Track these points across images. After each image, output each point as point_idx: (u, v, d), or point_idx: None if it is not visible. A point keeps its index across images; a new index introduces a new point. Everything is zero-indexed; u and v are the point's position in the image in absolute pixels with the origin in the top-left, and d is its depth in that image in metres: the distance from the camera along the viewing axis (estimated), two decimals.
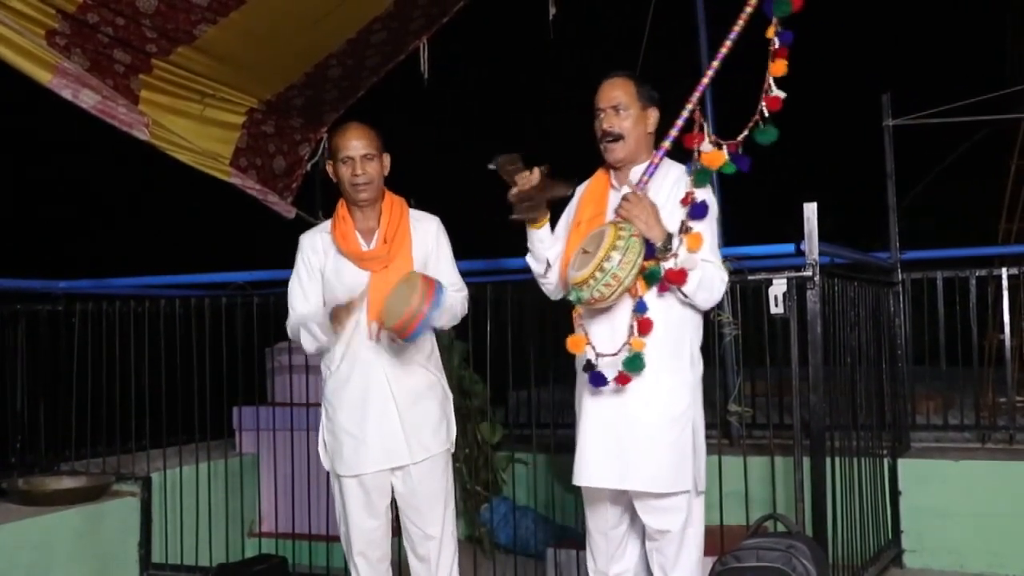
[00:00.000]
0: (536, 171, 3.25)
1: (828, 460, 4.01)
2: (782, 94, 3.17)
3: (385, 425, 3.46)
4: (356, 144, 3.50)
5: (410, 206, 3.63)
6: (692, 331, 3.33)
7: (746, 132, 3.19)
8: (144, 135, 5.11)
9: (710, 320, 4.37)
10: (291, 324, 3.65)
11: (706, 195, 3.23)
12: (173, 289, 5.75)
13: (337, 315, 3.41)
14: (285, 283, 5.78)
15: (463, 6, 6.15)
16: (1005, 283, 5.44)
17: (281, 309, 4.95)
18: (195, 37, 5.30)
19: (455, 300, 3.55)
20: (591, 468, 3.26)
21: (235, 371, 5.15)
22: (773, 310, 3.97)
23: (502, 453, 5.35)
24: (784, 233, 4.26)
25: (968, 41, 10.81)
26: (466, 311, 3.65)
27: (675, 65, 5.46)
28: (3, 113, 8.22)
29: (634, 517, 3.40)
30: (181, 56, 5.41)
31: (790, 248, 4.14)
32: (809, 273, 3.92)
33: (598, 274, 3.03)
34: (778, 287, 3.95)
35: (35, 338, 5.33)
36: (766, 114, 3.18)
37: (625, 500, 3.41)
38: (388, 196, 3.60)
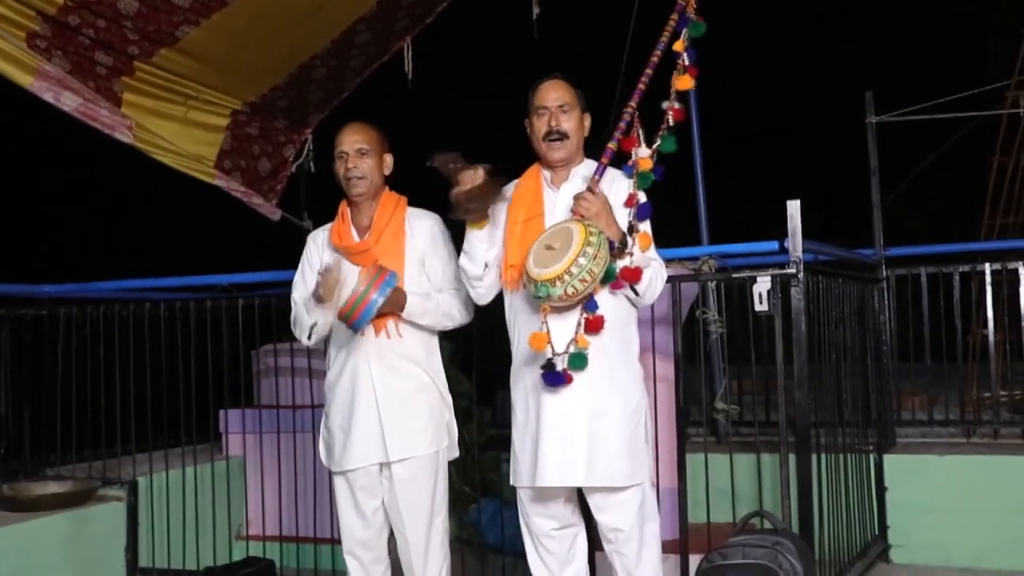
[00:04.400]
0: (480, 169, 3.28)
1: (814, 457, 4.02)
2: (678, 105, 3.37)
3: (368, 422, 3.49)
4: (349, 139, 3.58)
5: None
6: (635, 326, 3.42)
7: (659, 142, 3.34)
8: (127, 138, 5.09)
9: (695, 318, 4.39)
10: (292, 317, 3.70)
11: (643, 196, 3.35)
12: (158, 292, 5.72)
13: (318, 290, 3.43)
14: (270, 285, 5.82)
15: (447, 6, 6.15)
16: (988, 279, 5.46)
17: (266, 311, 4.98)
18: (178, 39, 5.28)
19: (445, 300, 3.56)
20: (556, 467, 3.23)
21: (221, 374, 5.13)
22: (758, 308, 3.98)
23: (489, 453, 5.35)
24: (768, 230, 4.26)
25: (950, 38, 10.86)
26: (468, 313, 3.64)
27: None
28: None
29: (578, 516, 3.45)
30: (164, 58, 5.39)
31: (774, 246, 4.15)
32: (793, 270, 3.93)
33: (573, 269, 3.05)
34: (762, 285, 3.96)
35: (19, 342, 5.30)
36: (671, 124, 3.35)
37: (575, 498, 3.42)
38: (387, 194, 3.65)
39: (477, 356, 4.52)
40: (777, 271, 3.97)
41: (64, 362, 5.21)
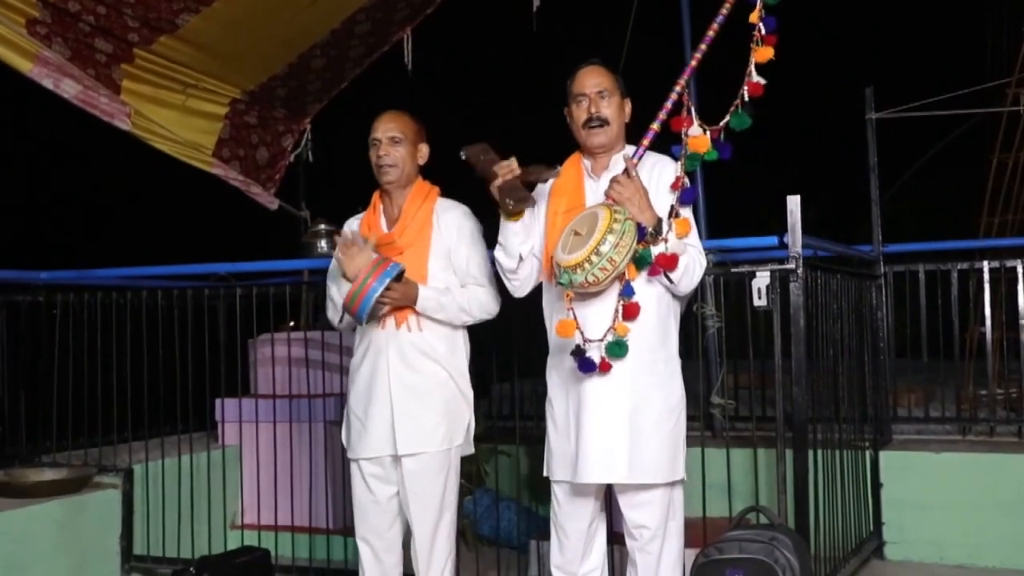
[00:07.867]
0: (513, 159, 3.21)
1: (810, 452, 4.02)
2: (762, 80, 3.18)
3: (381, 414, 3.50)
4: (383, 127, 3.56)
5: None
6: (676, 319, 3.34)
7: (727, 118, 3.19)
8: (126, 125, 5.09)
9: (693, 312, 4.39)
10: (327, 303, 3.70)
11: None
12: (156, 280, 5.71)
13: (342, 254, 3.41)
14: (268, 274, 5.82)
15: None
16: (986, 276, 5.46)
17: (263, 300, 4.97)
18: (178, 27, 5.27)
19: (464, 295, 3.53)
20: (598, 463, 3.17)
21: (218, 363, 5.12)
22: (756, 303, 3.97)
23: (485, 445, 5.35)
24: (767, 226, 4.26)
25: (950, 35, 10.85)
26: (489, 310, 3.59)
27: (659, 54, 5.46)
28: None
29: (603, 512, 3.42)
30: (164, 46, 5.38)
31: (773, 241, 4.15)
32: (792, 266, 3.93)
33: (594, 258, 2.98)
34: (761, 280, 3.96)
35: (16, 329, 5.29)
36: (746, 99, 3.18)
37: (603, 494, 3.40)
38: (418, 183, 3.63)
39: (473, 348, 4.51)
40: (776, 266, 3.97)
41: (60, 349, 5.20)
